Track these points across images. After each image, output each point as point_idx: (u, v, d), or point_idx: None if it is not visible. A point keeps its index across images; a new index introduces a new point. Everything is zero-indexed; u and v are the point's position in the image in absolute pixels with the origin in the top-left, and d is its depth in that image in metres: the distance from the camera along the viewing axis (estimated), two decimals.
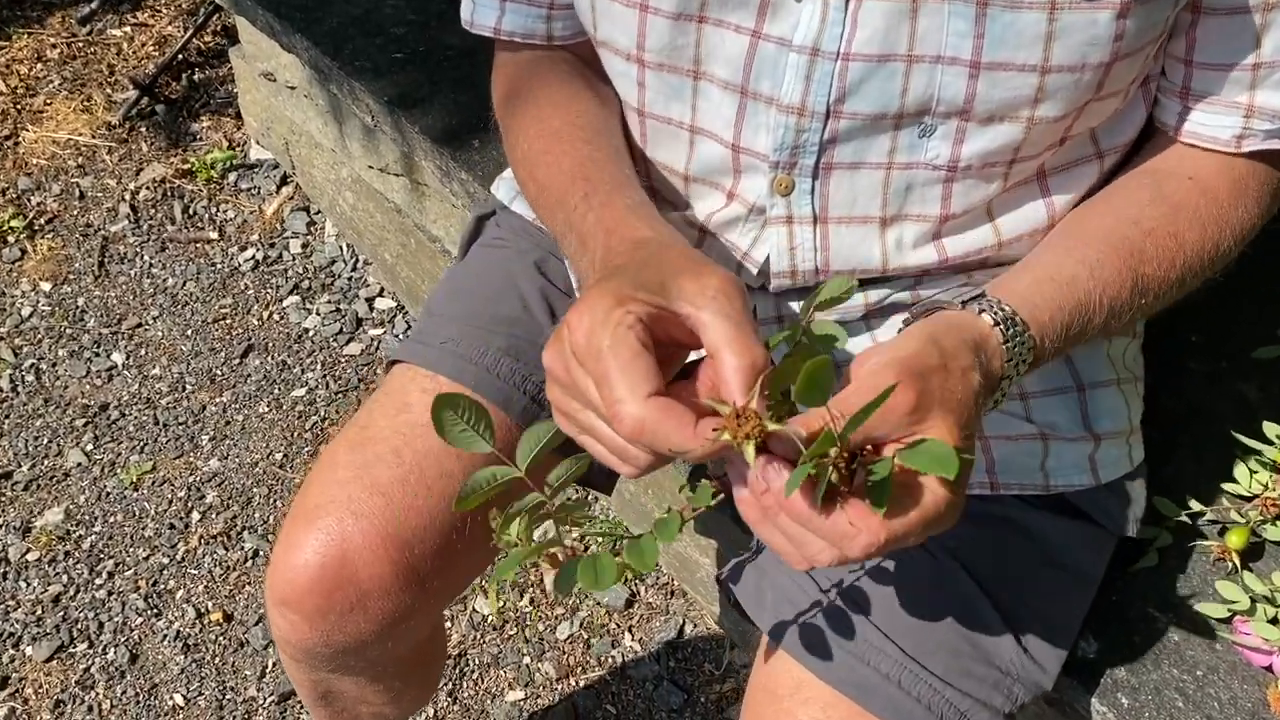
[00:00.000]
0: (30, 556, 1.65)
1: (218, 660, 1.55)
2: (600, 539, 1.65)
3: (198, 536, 1.67)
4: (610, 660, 1.54)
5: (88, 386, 1.86)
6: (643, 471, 0.64)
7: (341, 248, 2.06)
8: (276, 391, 1.86)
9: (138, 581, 1.62)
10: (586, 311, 0.61)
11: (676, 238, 0.73)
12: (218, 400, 1.84)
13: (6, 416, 1.81)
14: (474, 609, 1.59)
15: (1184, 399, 1.13)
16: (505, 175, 1.10)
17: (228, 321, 1.96)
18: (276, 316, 1.97)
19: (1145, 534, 0.99)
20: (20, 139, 2.24)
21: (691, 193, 0.87)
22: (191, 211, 2.13)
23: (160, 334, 1.94)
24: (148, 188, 2.17)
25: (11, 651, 1.55)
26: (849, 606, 0.84)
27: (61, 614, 1.59)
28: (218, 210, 2.14)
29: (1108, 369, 0.90)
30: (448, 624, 1.57)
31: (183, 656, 1.54)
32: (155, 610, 1.59)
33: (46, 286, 2.01)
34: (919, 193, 0.80)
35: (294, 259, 2.06)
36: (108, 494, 1.72)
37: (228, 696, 1.51)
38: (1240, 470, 1.03)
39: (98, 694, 1.51)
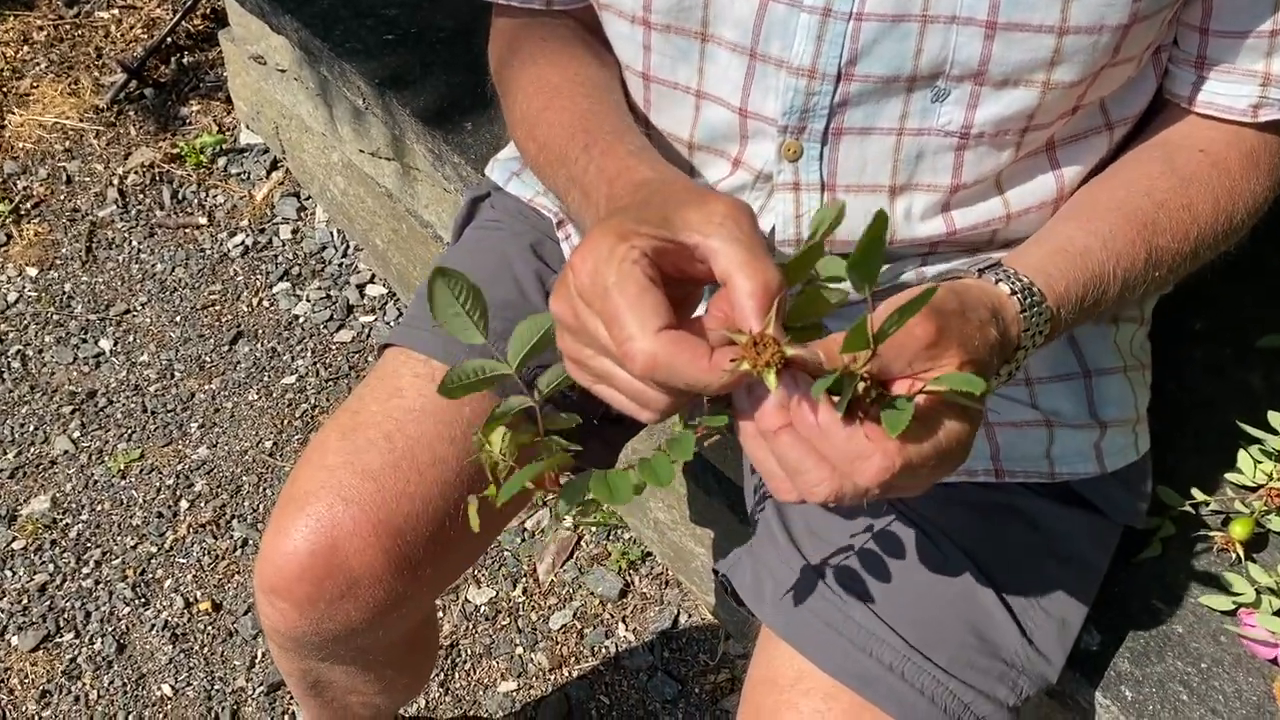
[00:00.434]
0: (16, 545, 1.63)
1: (206, 650, 1.53)
2: (596, 523, 1.64)
3: (186, 525, 1.65)
4: (604, 651, 1.52)
5: (75, 373, 1.84)
6: (662, 415, 0.61)
7: (332, 233, 2.04)
8: (266, 379, 1.84)
9: (125, 570, 1.60)
10: (589, 251, 0.59)
11: (680, 175, 0.70)
12: (207, 388, 1.82)
13: None
14: (466, 598, 1.57)
15: (1187, 388, 1.12)
16: (500, 157, 1.08)
17: (217, 308, 1.94)
18: (266, 303, 1.95)
19: (1149, 524, 0.98)
20: (6, 123, 2.21)
21: (696, 160, 0.85)
22: (180, 196, 2.11)
23: (148, 320, 1.92)
24: (136, 172, 2.14)
25: None
26: (851, 596, 0.82)
27: (48, 603, 1.57)
28: (207, 195, 2.11)
29: (1114, 356, 0.89)
30: (439, 614, 1.55)
31: (171, 646, 1.53)
32: (143, 600, 1.57)
33: (33, 271, 1.99)
34: (930, 161, 0.79)
35: (284, 245, 2.04)
36: (95, 482, 1.70)
37: (216, 687, 1.49)
38: (1244, 460, 1.02)
39: (84, 684, 1.50)
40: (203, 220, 2.07)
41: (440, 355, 0.94)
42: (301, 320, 1.92)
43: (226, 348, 1.88)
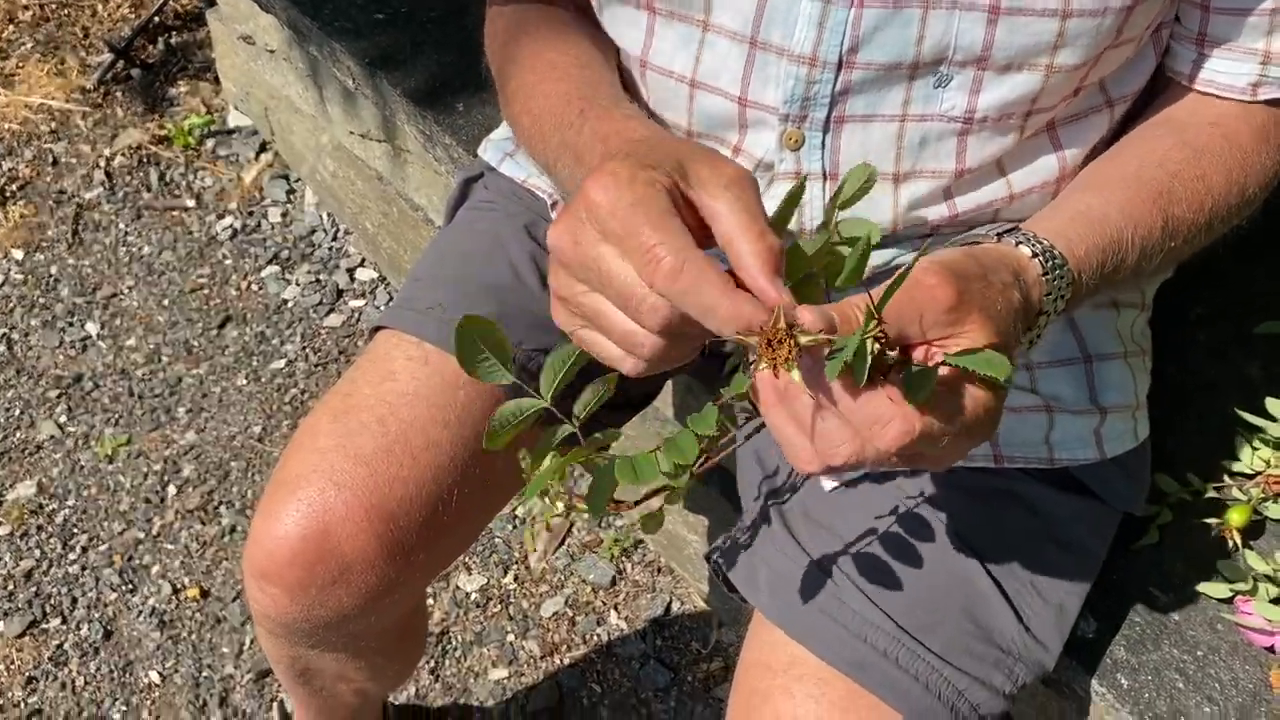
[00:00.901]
0: (2, 531, 1.61)
1: (194, 637, 1.52)
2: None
3: (174, 511, 1.64)
4: (596, 638, 1.52)
5: (61, 357, 1.82)
6: (648, 361, 0.59)
7: (322, 217, 2.02)
8: (255, 363, 1.82)
9: (112, 556, 1.59)
10: (606, 176, 0.56)
11: (676, 136, 0.69)
12: (194, 372, 1.80)
13: None
14: (457, 585, 1.56)
15: (1186, 375, 1.11)
16: (493, 137, 1.07)
17: (205, 292, 1.92)
18: (255, 287, 1.93)
19: (1146, 511, 0.97)
20: None
21: None
22: (168, 179, 2.09)
23: (136, 304, 1.90)
24: (123, 154, 2.12)
25: None
26: (845, 582, 0.81)
27: (34, 589, 1.55)
28: (195, 177, 2.09)
29: (1115, 341, 0.88)
30: (430, 601, 1.54)
31: (158, 633, 1.51)
32: (130, 586, 1.56)
33: (18, 254, 1.96)
34: (933, 147, 0.78)
35: (273, 228, 2.02)
36: (81, 467, 1.68)
37: (204, 674, 1.48)
38: (1242, 448, 1.02)
39: (71, 671, 1.48)
40: (190, 203, 2.05)
41: (433, 338, 0.93)
42: (290, 304, 1.90)
43: (215, 332, 1.86)
